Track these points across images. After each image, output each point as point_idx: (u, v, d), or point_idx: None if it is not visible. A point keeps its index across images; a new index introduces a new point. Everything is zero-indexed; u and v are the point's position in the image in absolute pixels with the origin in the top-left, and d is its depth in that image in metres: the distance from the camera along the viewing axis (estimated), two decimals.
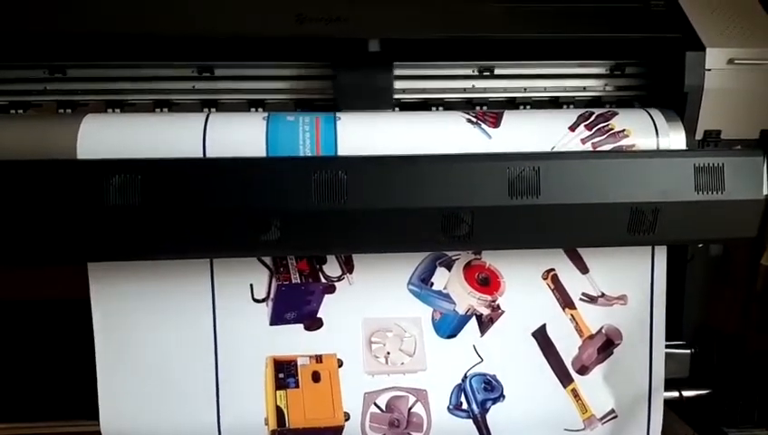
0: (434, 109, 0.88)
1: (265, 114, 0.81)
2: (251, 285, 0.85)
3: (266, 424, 0.85)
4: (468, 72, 0.89)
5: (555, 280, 0.88)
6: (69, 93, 0.84)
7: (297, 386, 0.86)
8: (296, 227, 0.75)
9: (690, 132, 0.84)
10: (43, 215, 0.71)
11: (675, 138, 0.83)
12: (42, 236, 0.72)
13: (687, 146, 0.83)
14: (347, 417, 0.86)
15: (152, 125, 0.79)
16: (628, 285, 0.88)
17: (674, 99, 0.85)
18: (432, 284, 0.87)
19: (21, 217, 0.71)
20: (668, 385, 0.89)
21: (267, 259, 0.84)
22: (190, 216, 0.72)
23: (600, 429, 0.89)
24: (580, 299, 0.88)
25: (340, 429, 0.87)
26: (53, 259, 0.79)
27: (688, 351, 0.92)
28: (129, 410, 0.83)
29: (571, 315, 0.88)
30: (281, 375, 0.86)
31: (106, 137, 0.76)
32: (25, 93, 0.84)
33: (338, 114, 0.81)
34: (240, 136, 0.78)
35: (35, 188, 0.71)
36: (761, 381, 0.90)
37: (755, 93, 0.86)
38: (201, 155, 0.77)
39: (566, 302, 0.88)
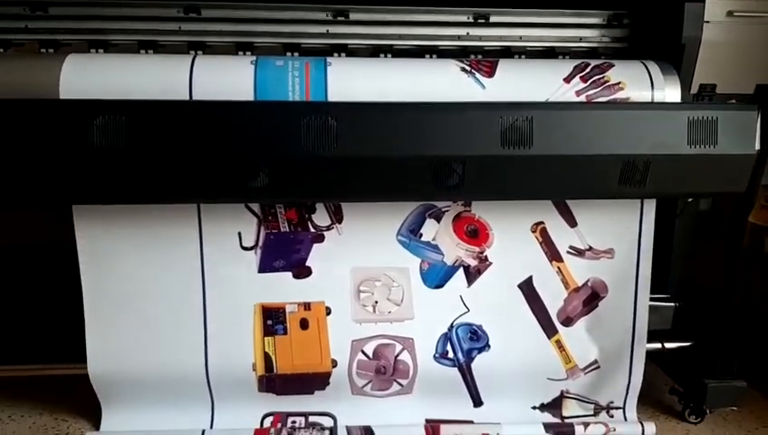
0: (427, 56, 0.86)
1: (253, 58, 0.79)
2: (239, 233, 0.84)
3: (254, 370, 0.86)
4: (463, 18, 0.87)
5: (543, 233, 0.88)
6: (51, 32, 0.81)
7: (285, 333, 0.86)
8: (285, 174, 0.74)
9: (686, 86, 0.83)
10: (25, 156, 0.70)
11: (670, 91, 0.82)
12: (24, 178, 0.71)
13: (682, 99, 0.82)
14: (334, 364, 0.87)
15: (137, 66, 0.76)
16: (616, 239, 0.88)
17: (671, 51, 0.84)
18: (421, 235, 0.87)
19: (1, 158, 0.70)
20: (651, 337, 0.90)
21: (255, 207, 0.83)
22: (175, 159, 0.71)
23: (582, 378, 0.91)
24: (568, 252, 0.88)
25: (327, 375, 0.88)
26: (36, 202, 0.78)
27: (672, 304, 0.93)
28: (116, 354, 0.84)
29: (558, 268, 0.89)
30: (269, 322, 0.86)
31: (89, 77, 0.74)
32: (6, 32, 0.81)
33: (328, 59, 0.79)
34: (227, 79, 0.76)
35: (17, 128, 0.69)
36: (742, 334, 0.91)
37: (753, 47, 0.84)
38: (187, 98, 0.75)
39: (553, 254, 0.88)
